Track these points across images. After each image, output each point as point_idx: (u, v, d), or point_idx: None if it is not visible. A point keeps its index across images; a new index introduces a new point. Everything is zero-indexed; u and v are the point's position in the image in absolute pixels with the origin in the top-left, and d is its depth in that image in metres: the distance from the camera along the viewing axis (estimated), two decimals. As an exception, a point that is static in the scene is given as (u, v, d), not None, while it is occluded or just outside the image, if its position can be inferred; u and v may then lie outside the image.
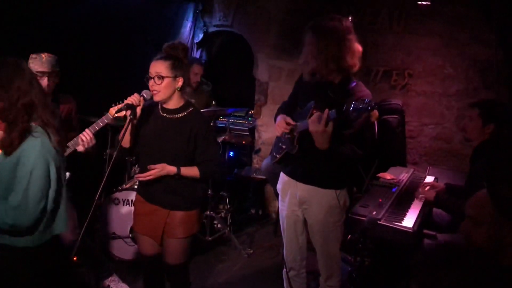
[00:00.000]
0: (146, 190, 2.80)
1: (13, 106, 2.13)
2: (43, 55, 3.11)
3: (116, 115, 2.81)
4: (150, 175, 2.66)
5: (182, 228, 2.77)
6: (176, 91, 2.72)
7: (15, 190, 2.10)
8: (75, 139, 3.13)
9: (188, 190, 2.77)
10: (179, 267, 2.84)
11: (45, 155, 2.15)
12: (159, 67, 2.66)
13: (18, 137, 2.13)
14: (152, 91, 2.68)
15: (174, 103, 2.76)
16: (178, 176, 2.68)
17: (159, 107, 2.80)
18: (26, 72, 2.20)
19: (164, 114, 2.77)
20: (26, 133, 2.15)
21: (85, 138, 3.07)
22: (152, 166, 2.67)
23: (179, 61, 2.71)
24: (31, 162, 2.10)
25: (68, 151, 3.11)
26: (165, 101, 2.74)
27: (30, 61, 3.07)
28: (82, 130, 3.30)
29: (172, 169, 2.68)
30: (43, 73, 3.08)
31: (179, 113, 2.76)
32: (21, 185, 2.09)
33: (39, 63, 3.08)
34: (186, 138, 2.71)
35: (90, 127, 3.12)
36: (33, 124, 2.19)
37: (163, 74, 2.64)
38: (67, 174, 3.05)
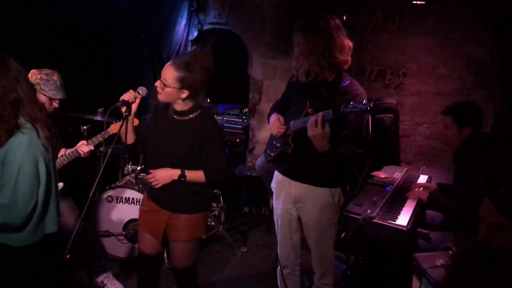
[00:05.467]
0: (151, 189, 2.76)
1: None
2: (55, 78, 3.07)
3: (112, 125, 2.83)
4: (158, 183, 2.65)
5: (186, 231, 2.73)
6: (179, 99, 2.64)
7: (4, 188, 2.07)
8: (72, 151, 3.20)
9: (190, 194, 2.72)
10: (186, 271, 2.81)
11: (33, 152, 2.12)
12: (167, 74, 2.56)
13: (5, 134, 2.10)
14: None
15: (181, 106, 2.68)
16: (183, 177, 2.62)
17: (170, 108, 2.73)
18: (12, 68, 2.15)
19: (174, 116, 2.71)
20: (14, 129, 2.12)
21: (86, 151, 3.20)
22: (153, 172, 2.66)
23: (192, 76, 2.55)
24: (18, 160, 2.08)
25: (62, 163, 3.17)
26: (170, 103, 2.71)
27: (40, 82, 3.00)
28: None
29: (175, 172, 2.63)
30: (58, 99, 3.09)
31: (187, 115, 2.68)
32: (9, 183, 2.06)
33: (54, 88, 3.04)
34: (190, 140, 2.64)
35: (89, 141, 3.23)
36: (22, 120, 2.17)
37: (167, 83, 2.56)
38: (61, 184, 3.09)
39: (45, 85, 3.02)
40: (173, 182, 2.65)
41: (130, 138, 2.72)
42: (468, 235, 2.97)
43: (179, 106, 2.69)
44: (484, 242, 1.54)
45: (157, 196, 2.75)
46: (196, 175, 2.65)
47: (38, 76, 3.02)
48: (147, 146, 2.80)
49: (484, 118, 3.21)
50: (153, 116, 2.77)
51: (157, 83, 2.62)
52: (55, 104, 3.12)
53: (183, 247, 2.75)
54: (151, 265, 2.90)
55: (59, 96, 3.10)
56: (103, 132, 3.18)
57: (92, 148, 3.23)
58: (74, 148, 3.22)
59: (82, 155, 3.21)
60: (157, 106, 2.78)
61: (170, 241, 2.77)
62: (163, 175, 2.64)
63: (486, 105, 4.16)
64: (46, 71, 3.08)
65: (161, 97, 2.66)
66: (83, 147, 3.19)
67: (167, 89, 2.58)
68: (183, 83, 2.56)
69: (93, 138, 3.26)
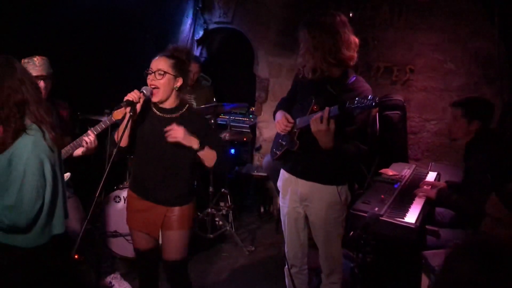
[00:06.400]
0: (141, 187, 2.78)
1: (5, 105, 2.10)
2: (35, 59, 3.06)
3: (115, 111, 2.81)
4: (176, 136, 2.59)
5: (181, 221, 2.76)
6: (174, 90, 2.70)
7: (9, 190, 2.08)
8: (76, 141, 3.15)
9: (183, 185, 2.76)
10: (179, 263, 2.82)
11: (38, 154, 2.12)
12: (161, 64, 2.65)
13: (11, 135, 2.11)
14: (151, 86, 2.66)
15: (170, 103, 2.73)
16: (201, 149, 2.66)
17: (153, 106, 2.76)
18: (17, 69, 2.17)
19: (160, 113, 2.74)
20: (20, 131, 2.13)
21: (88, 140, 3.12)
22: (173, 126, 2.61)
23: (182, 62, 2.71)
24: (24, 161, 2.08)
25: (68, 153, 3.13)
26: (162, 101, 2.72)
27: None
28: (82, 129, 3.32)
29: (194, 140, 2.64)
30: (38, 77, 3.03)
31: (175, 112, 2.74)
32: (15, 184, 2.07)
33: (32, 67, 3.02)
34: None
35: (92, 128, 3.18)
36: (28, 121, 2.17)
37: (165, 70, 2.63)
38: (68, 174, 3.07)
39: (26, 68, 3.00)
40: (166, 175, 2.70)
41: (127, 140, 2.71)
42: (478, 232, 2.94)
43: (169, 102, 2.73)
44: (484, 238, 1.50)
45: (150, 193, 2.76)
46: (210, 152, 2.71)
47: (21, 62, 3.02)
48: (137, 148, 2.79)
49: (495, 114, 3.17)
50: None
51: (151, 77, 2.64)
52: (41, 84, 3.02)
53: (177, 236, 2.77)
54: (151, 263, 2.93)
55: (36, 73, 3.01)
56: (105, 119, 3.17)
57: (95, 135, 3.15)
58: (79, 138, 3.18)
59: (87, 145, 3.13)
60: None
61: (166, 233, 2.78)
62: (183, 132, 2.61)
63: (495, 100, 4.12)
64: (27, 58, 3.06)
65: (158, 96, 2.68)
66: (88, 137, 3.14)
67: (165, 78, 2.63)
68: (177, 69, 2.67)
69: (96, 126, 3.21)
